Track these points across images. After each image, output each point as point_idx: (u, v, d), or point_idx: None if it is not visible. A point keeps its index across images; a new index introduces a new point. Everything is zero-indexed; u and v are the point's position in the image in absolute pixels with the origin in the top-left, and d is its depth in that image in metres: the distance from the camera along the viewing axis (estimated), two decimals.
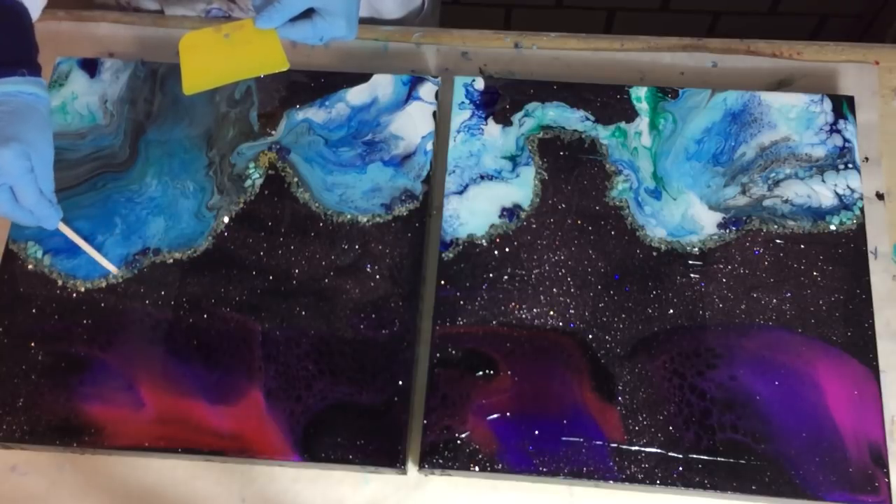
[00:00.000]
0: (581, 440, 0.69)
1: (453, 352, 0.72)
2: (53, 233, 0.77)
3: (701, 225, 0.76)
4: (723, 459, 0.68)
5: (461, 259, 0.75)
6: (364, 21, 0.95)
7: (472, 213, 0.77)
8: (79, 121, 0.82)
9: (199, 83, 0.75)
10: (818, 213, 0.76)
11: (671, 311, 0.73)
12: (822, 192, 0.77)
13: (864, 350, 0.72)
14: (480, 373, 0.72)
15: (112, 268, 0.77)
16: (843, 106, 0.80)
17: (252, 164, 0.80)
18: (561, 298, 0.74)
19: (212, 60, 0.76)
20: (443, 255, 0.76)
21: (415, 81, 0.83)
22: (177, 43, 0.89)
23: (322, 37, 0.75)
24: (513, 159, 0.79)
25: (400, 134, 0.81)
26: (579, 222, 0.77)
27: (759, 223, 0.76)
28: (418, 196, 0.78)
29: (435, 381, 0.71)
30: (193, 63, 0.76)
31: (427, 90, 0.82)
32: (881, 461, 0.68)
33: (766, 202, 0.77)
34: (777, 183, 0.78)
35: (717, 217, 0.77)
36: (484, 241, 0.76)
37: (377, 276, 0.75)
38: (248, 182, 0.79)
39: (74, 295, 0.76)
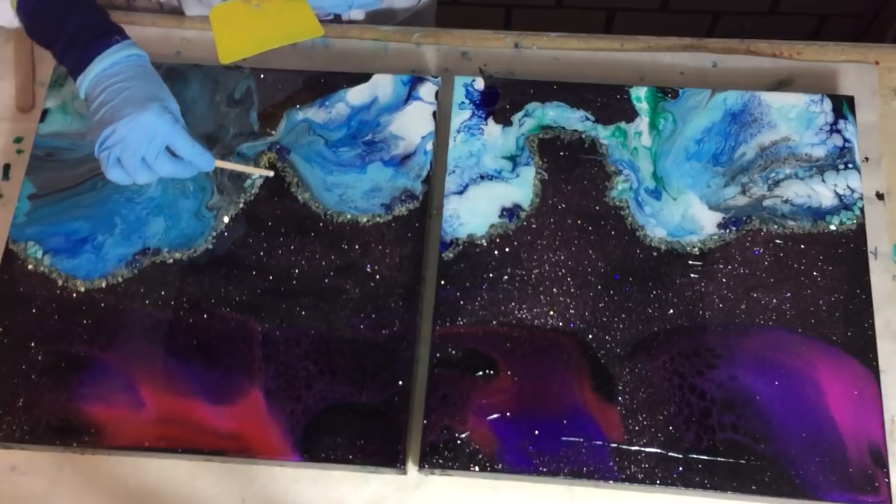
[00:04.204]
0: (581, 440, 0.69)
1: (453, 352, 0.72)
2: (54, 232, 0.78)
3: (701, 225, 0.76)
4: (723, 459, 0.68)
5: (461, 259, 0.75)
6: (368, 18, 0.95)
7: (472, 213, 0.77)
8: (79, 121, 0.82)
9: (235, 52, 0.76)
10: (818, 213, 0.76)
11: (671, 311, 0.73)
12: (822, 192, 0.77)
13: (864, 350, 0.72)
14: (480, 373, 0.72)
15: (270, 173, 0.78)
16: (843, 106, 0.80)
17: (252, 164, 0.80)
18: (561, 298, 0.74)
19: (245, 30, 0.77)
20: (443, 255, 0.76)
21: (415, 81, 0.83)
22: (176, 43, 0.90)
23: (352, 3, 0.75)
24: (513, 159, 0.79)
25: (400, 134, 0.81)
26: (579, 222, 0.77)
27: (759, 223, 0.76)
28: (418, 196, 0.78)
29: (435, 381, 0.71)
30: (227, 33, 0.77)
31: (427, 90, 0.82)
32: (881, 461, 0.68)
33: (766, 202, 0.77)
34: (777, 183, 0.78)
35: (717, 217, 0.77)
36: (484, 241, 0.76)
37: (377, 276, 0.75)
38: (248, 182, 0.79)
39: (74, 295, 0.76)
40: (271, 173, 0.78)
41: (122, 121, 0.69)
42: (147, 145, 0.70)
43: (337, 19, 0.94)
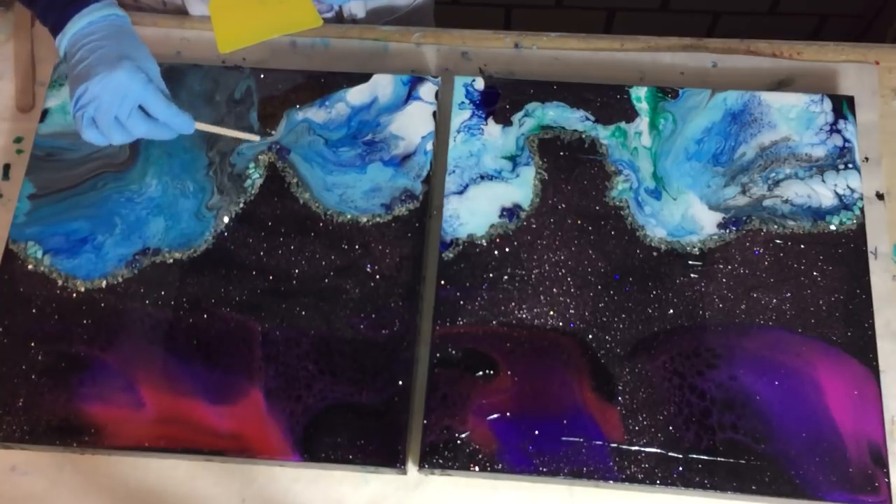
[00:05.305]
0: (581, 440, 0.69)
1: (453, 352, 0.72)
2: (53, 232, 0.78)
3: (701, 225, 0.76)
4: (723, 459, 0.68)
5: (461, 259, 0.75)
6: (369, 14, 0.95)
7: (472, 213, 0.77)
8: None
9: (234, 41, 0.77)
10: (818, 213, 0.76)
11: (671, 311, 0.73)
12: (822, 192, 0.77)
13: (864, 350, 0.72)
14: (480, 373, 0.72)
15: (255, 137, 0.78)
16: (843, 106, 0.80)
17: (252, 164, 0.80)
18: (561, 298, 0.74)
19: (244, 19, 0.78)
20: (443, 255, 0.76)
21: (415, 81, 0.83)
22: (176, 43, 0.90)
23: None
24: (513, 159, 0.79)
25: (400, 134, 0.81)
26: (579, 222, 0.77)
27: (759, 223, 0.76)
28: (418, 196, 0.78)
29: (435, 381, 0.71)
30: (226, 22, 0.77)
31: (427, 90, 0.82)
32: (881, 461, 0.68)
33: (766, 202, 0.77)
34: (777, 183, 0.78)
35: (717, 217, 0.77)
36: (484, 241, 0.76)
37: (377, 276, 0.75)
38: (248, 182, 0.79)
39: (74, 295, 0.76)
40: (257, 138, 0.78)
41: (94, 79, 0.69)
42: (119, 104, 0.70)
43: (338, 18, 0.94)
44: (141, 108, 0.71)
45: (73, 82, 0.71)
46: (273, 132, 0.81)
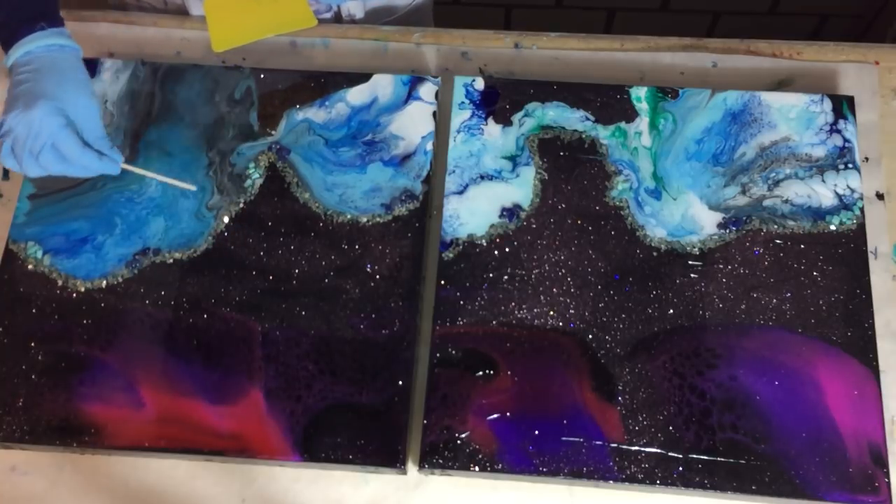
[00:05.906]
0: (581, 440, 0.69)
1: (453, 352, 0.72)
2: (53, 232, 0.78)
3: (701, 225, 0.76)
4: (723, 459, 0.68)
5: (461, 259, 0.75)
6: (368, 14, 0.95)
7: (472, 213, 0.77)
8: None
9: (228, 40, 0.77)
10: (818, 213, 0.76)
11: (671, 311, 0.73)
12: (822, 192, 0.77)
13: (864, 350, 0.72)
14: (480, 373, 0.72)
15: (191, 186, 0.77)
16: (843, 106, 0.80)
17: (252, 164, 0.80)
18: (561, 298, 0.74)
19: (239, 18, 0.78)
20: (443, 255, 0.76)
21: (415, 81, 0.83)
22: (176, 43, 0.90)
23: None
24: (513, 159, 0.79)
25: (400, 134, 0.81)
26: (579, 222, 0.77)
27: (759, 223, 0.76)
28: (418, 196, 0.78)
29: (435, 381, 0.71)
30: (221, 21, 0.78)
31: (427, 90, 0.82)
32: (881, 461, 0.68)
33: (766, 202, 0.77)
34: (777, 183, 0.78)
35: (717, 217, 0.77)
36: (484, 241, 0.76)
37: (377, 276, 0.75)
38: (248, 182, 0.79)
39: (74, 295, 0.76)
40: (193, 187, 0.77)
41: (10, 114, 0.69)
42: (32, 142, 0.69)
43: (336, 18, 0.94)
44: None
45: (4, 107, 0.71)
46: (273, 132, 0.81)
